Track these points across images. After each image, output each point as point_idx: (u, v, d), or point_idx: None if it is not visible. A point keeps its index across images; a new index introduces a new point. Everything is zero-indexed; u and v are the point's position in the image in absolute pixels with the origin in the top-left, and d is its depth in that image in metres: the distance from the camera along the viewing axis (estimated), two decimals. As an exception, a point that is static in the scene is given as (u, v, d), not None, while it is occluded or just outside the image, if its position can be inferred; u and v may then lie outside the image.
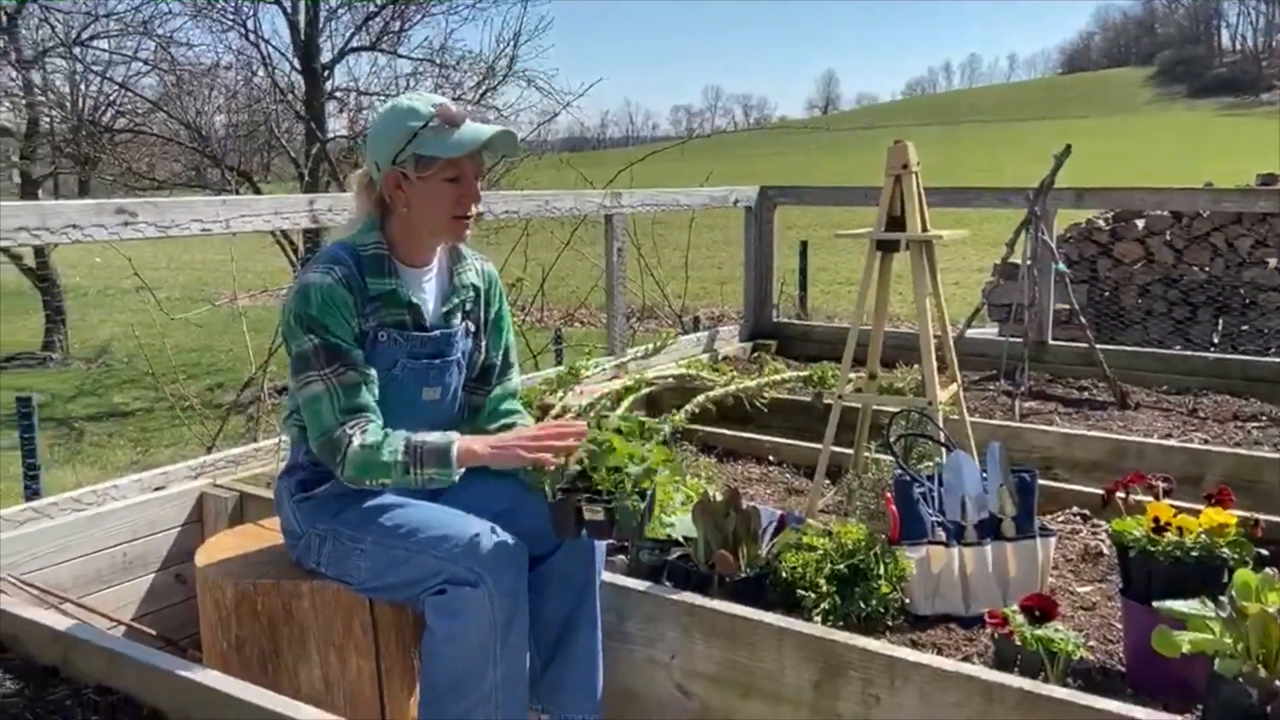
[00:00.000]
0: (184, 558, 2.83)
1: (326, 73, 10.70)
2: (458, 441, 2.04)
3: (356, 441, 2.02)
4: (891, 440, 2.88)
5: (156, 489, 2.93)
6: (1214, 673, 1.81)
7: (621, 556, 2.60)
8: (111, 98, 11.34)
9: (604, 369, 4.55)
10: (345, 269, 2.07)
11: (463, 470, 2.05)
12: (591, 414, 3.95)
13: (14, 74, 10.72)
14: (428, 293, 2.19)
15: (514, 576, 2.02)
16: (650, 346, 4.94)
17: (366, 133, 2.19)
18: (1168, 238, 7.57)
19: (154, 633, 2.67)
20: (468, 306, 2.25)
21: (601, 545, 2.24)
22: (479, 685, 2.01)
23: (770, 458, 3.77)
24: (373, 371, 2.08)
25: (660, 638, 2.29)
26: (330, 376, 2.03)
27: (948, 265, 12.01)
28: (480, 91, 10.64)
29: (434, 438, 2.04)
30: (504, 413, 2.36)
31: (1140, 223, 7.69)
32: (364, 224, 2.15)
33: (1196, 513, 2.21)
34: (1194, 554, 2.11)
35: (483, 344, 2.31)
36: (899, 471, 2.62)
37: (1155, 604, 1.94)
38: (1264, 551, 2.16)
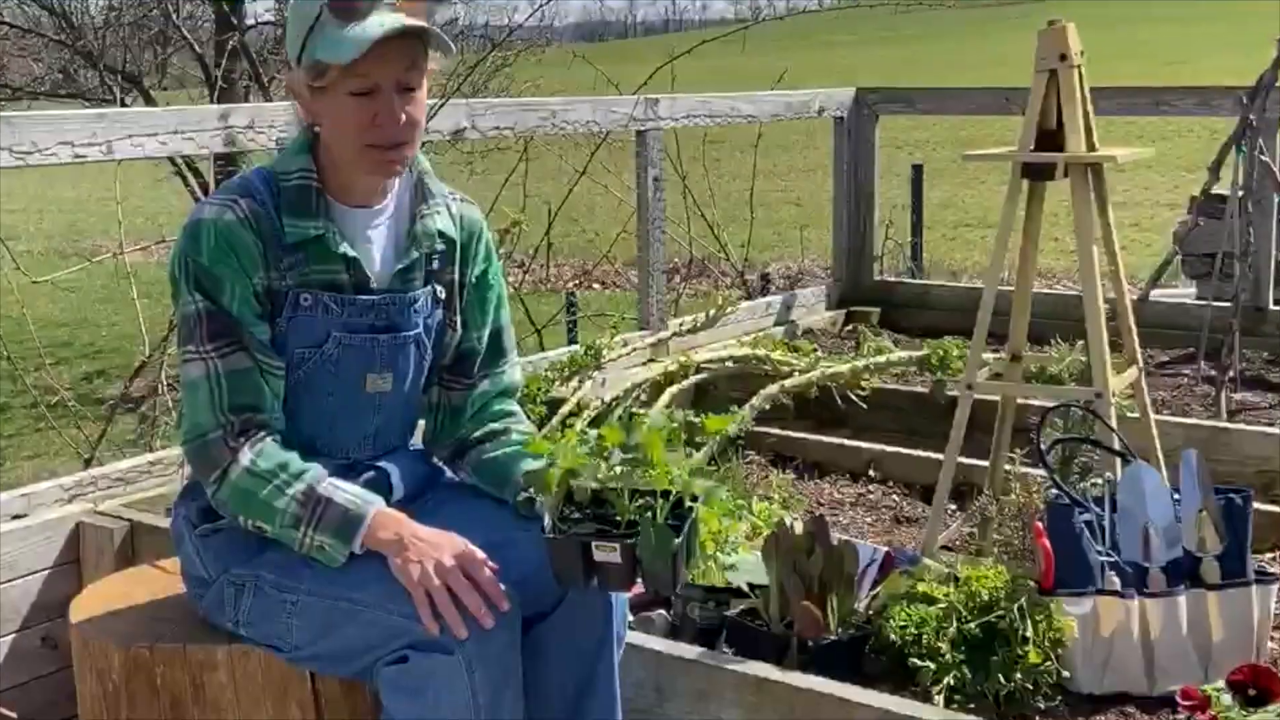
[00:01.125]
0: (55, 613, 2.86)
1: (245, -65, 10.74)
2: (373, 515, 2.03)
3: (244, 461, 2.02)
4: (1044, 448, 2.86)
5: (15, 517, 2.97)
6: None
7: (663, 612, 2.61)
8: (-51, -25, 11.46)
9: (635, 348, 4.55)
10: (254, 204, 2.07)
11: (359, 551, 2.03)
12: (620, 412, 3.96)
13: None
14: (375, 241, 2.18)
15: (503, 638, 2.03)
16: (701, 317, 4.94)
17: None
18: None
19: (14, 715, 2.71)
20: (434, 264, 2.24)
21: (622, 598, 2.24)
22: None
23: (871, 472, 3.76)
24: (275, 359, 2.08)
25: (718, 724, 2.29)
26: (212, 355, 2.03)
27: (1125, 198, 11.90)
28: (458, -41, 10.65)
29: (346, 497, 2.03)
30: (495, 414, 2.34)
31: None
32: (291, 144, 2.17)
33: None
34: None
35: (456, 319, 2.30)
36: (1054, 492, 2.60)
37: None
38: None
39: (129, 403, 6.58)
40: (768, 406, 4.10)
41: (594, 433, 2.09)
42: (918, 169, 10.02)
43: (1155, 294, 5.37)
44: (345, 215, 2.15)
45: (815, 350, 4.78)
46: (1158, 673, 2.45)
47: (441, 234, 2.24)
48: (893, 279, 6.40)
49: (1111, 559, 2.50)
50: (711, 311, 4.99)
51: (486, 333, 2.33)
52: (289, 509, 2.02)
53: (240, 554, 2.14)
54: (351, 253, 2.14)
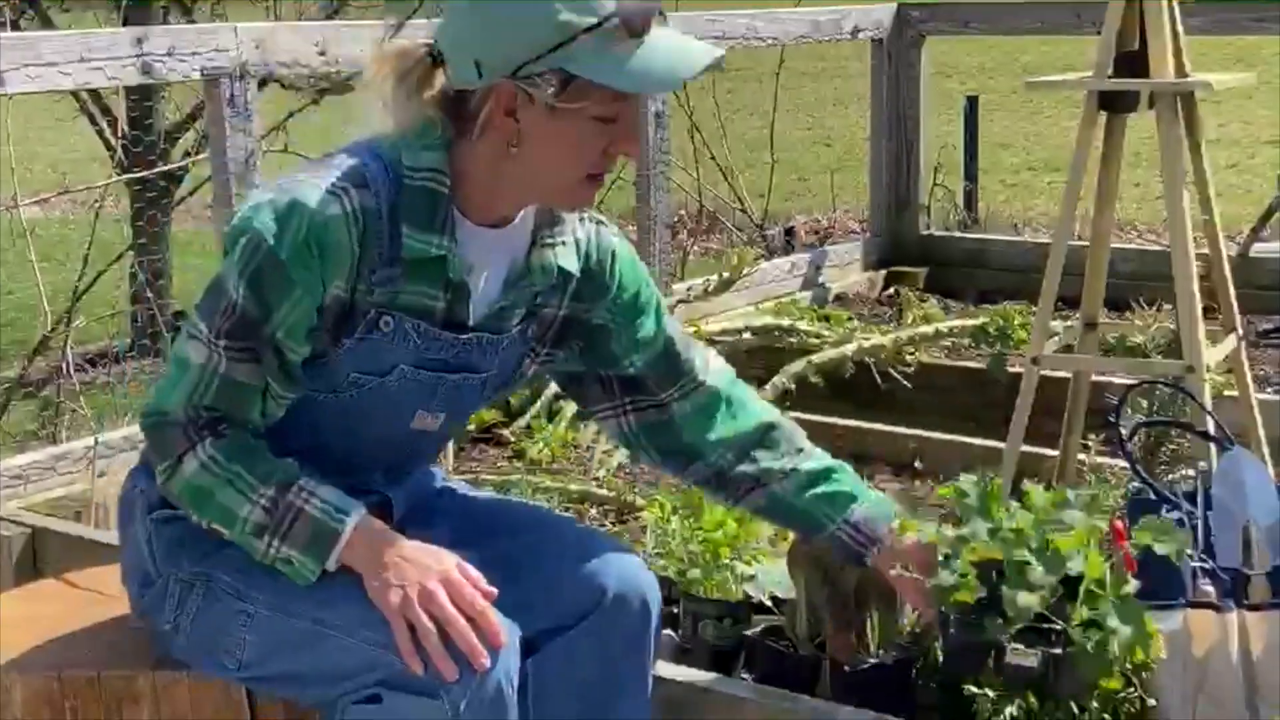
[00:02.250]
0: (-56, 636, 2.88)
1: None
2: (350, 529, 2.02)
3: (204, 452, 2.02)
4: (1126, 433, 2.87)
5: (-103, 522, 2.99)
6: None
7: (669, 631, 2.62)
8: None
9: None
10: (367, 197, 2.02)
11: (332, 569, 2.03)
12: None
13: None
14: (487, 270, 2.14)
15: (498, 679, 2.02)
16: (713, 280, 4.95)
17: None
18: None
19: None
20: (538, 299, 2.22)
21: (660, 602, 2.26)
22: None
23: (916, 463, 3.78)
24: (290, 390, 2.07)
25: (734, 765, 2.32)
26: (220, 351, 2.00)
27: (1221, 133, 11.88)
28: None
29: (319, 505, 2.02)
30: (748, 437, 2.33)
31: None
32: (420, 131, 2.07)
33: None
34: None
35: (540, 351, 2.29)
36: (1137, 485, 2.61)
37: None
38: None
39: (28, 386, 6.58)
40: (794, 386, 4.12)
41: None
42: (972, 101, 10.01)
43: (1257, 249, 5.37)
44: (471, 235, 2.10)
45: (850, 319, 4.80)
46: (1260, 697, 2.47)
47: (557, 269, 2.20)
48: (942, 234, 6.38)
49: (1206, 565, 2.51)
50: (725, 273, 4.99)
51: (648, 356, 2.31)
52: (251, 516, 2.00)
53: (196, 550, 2.13)
54: (467, 280, 2.09)
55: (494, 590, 2.02)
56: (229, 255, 2.01)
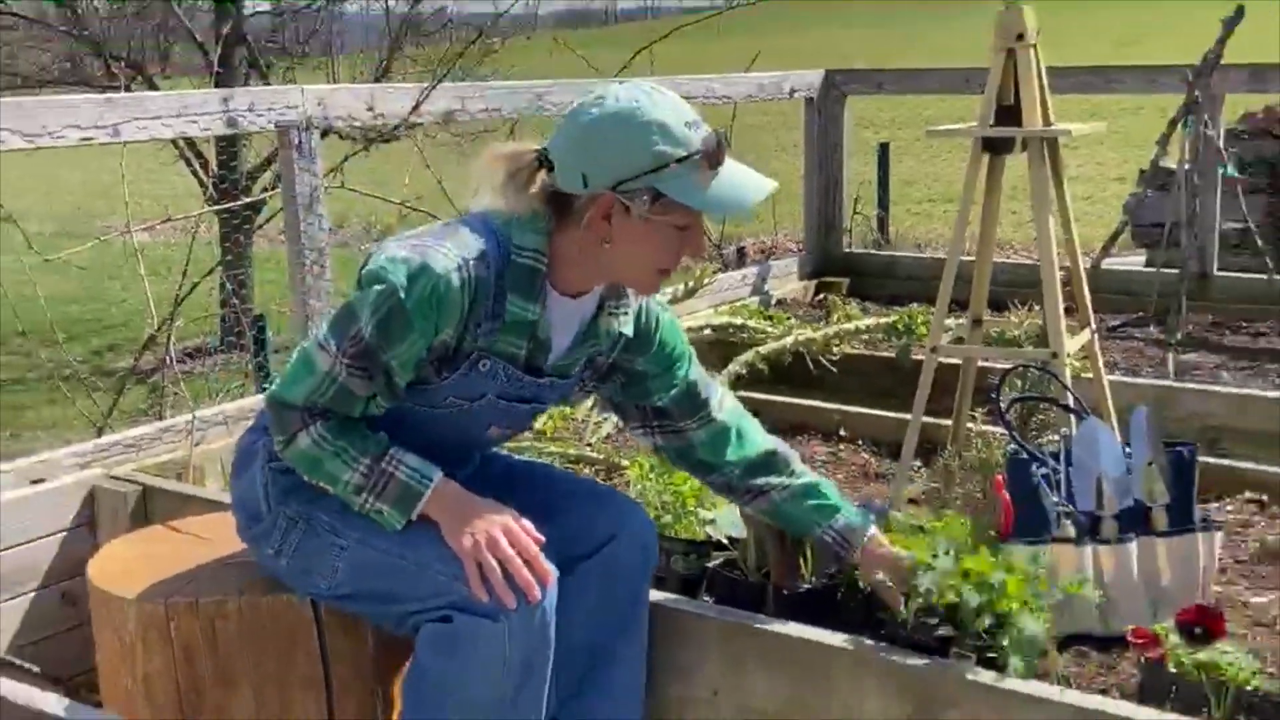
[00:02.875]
0: (73, 572, 2.87)
1: (241, -73, 10.65)
2: (434, 485, 2.04)
3: (314, 433, 2.03)
4: (1003, 406, 2.88)
5: (34, 482, 2.97)
6: None
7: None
8: (-43, -32, 11.34)
9: (618, 317, 4.56)
10: (484, 272, 2.00)
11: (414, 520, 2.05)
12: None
13: None
14: (564, 331, 2.16)
15: (544, 609, 2.02)
16: (680, 289, 4.95)
17: (569, 125, 2.06)
18: (1376, 130, 7.48)
19: (36, 669, 2.71)
20: (597, 356, 2.23)
21: (654, 541, 2.30)
22: None
23: (841, 432, 3.78)
24: (389, 401, 2.08)
25: (700, 666, 2.31)
26: (344, 368, 2.00)
27: (1078, 172, 11.90)
28: (447, -48, 10.58)
29: (407, 471, 2.04)
30: (753, 462, 2.33)
31: (1339, 111, 7.60)
32: (529, 217, 2.06)
33: None
34: None
35: (641, 387, 2.30)
36: (1013, 447, 2.62)
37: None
38: None
39: (139, 374, 6.55)
40: (745, 372, 4.12)
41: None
42: (884, 147, 10.00)
43: (1107, 262, 5.39)
44: (556, 303, 2.11)
45: (788, 319, 4.80)
46: (1110, 615, 2.48)
47: (620, 334, 2.21)
48: (860, 251, 6.40)
49: (1067, 509, 2.52)
50: (690, 283, 4.99)
51: (674, 394, 2.31)
52: (352, 480, 2.03)
53: (303, 494, 2.13)
54: (550, 337, 2.11)
55: (543, 537, 2.04)
56: (364, 291, 2.02)
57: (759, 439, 2.35)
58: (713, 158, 2.00)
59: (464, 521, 2.02)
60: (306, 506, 2.13)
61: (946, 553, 2.25)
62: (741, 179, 2.05)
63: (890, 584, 2.24)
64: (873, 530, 2.29)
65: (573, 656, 2.17)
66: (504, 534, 2.00)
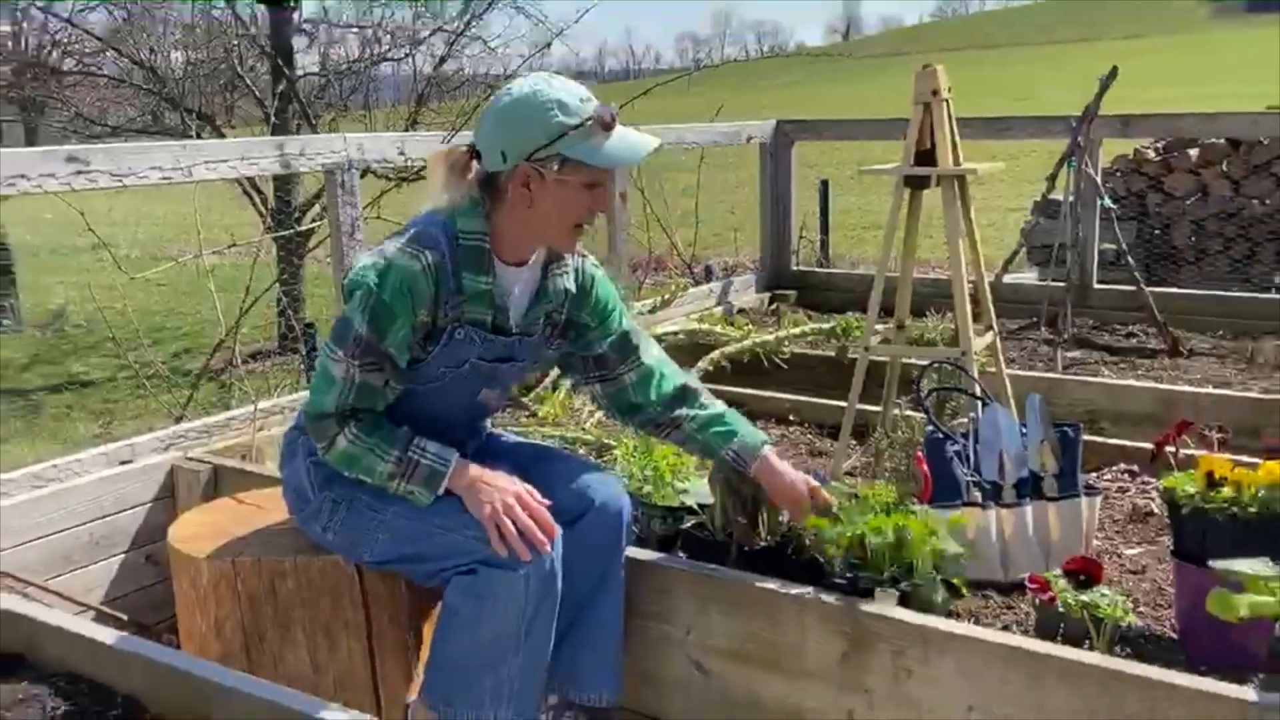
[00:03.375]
0: (155, 536, 2.86)
1: (293, 4, 10.60)
2: (453, 465, 2.05)
3: (349, 435, 2.04)
4: (923, 395, 2.89)
5: (123, 463, 2.96)
6: (1275, 637, 1.83)
7: (633, 527, 2.62)
8: (57, 35, 11.26)
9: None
10: (438, 257, 2.03)
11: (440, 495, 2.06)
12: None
13: (-49, 13, 10.66)
14: (518, 294, 2.17)
15: (553, 559, 2.04)
16: (658, 300, 4.95)
17: (486, 115, 2.09)
18: (1224, 168, 7.51)
19: (125, 617, 2.71)
20: (553, 313, 2.24)
21: (629, 512, 2.27)
22: (494, 674, 2.04)
23: (791, 417, 3.78)
24: (400, 383, 2.09)
25: (674, 611, 2.32)
26: (355, 368, 2.02)
27: (982, 203, 11.85)
28: (465, 19, 10.54)
29: (430, 457, 2.05)
30: (669, 396, 2.32)
31: (1193, 152, 7.63)
32: (467, 205, 2.09)
33: (1256, 467, 2.21)
34: (1252, 510, 2.12)
35: (585, 338, 2.29)
36: (931, 429, 2.63)
37: (1211, 564, 1.95)
38: (1330, 507, 2.17)
39: (210, 374, 6.53)
40: (711, 368, 4.12)
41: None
42: (824, 183, 10.01)
43: (1006, 278, 5.40)
44: (504, 272, 2.13)
45: (748, 325, 4.80)
46: (1010, 565, 2.49)
47: (565, 290, 2.23)
48: (806, 269, 6.39)
49: (975, 479, 2.53)
50: (666, 296, 5.00)
51: (611, 341, 2.31)
52: (385, 469, 2.03)
53: (345, 480, 2.13)
54: (507, 304, 2.13)
55: (548, 501, 2.07)
56: (350, 300, 2.03)
57: (676, 377, 2.36)
58: (605, 124, 2.04)
59: (482, 492, 2.03)
60: (348, 489, 2.13)
61: (873, 512, 2.27)
62: (632, 139, 2.09)
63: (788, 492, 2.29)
64: (765, 450, 2.30)
65: (561, 606, 2.16)
66: (516, 500, 2.02)
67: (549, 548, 2.02)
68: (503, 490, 2.03)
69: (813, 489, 2.30)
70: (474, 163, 2.09)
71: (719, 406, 2.36)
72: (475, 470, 2.07)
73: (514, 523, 1.99)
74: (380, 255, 2.04)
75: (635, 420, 2.38)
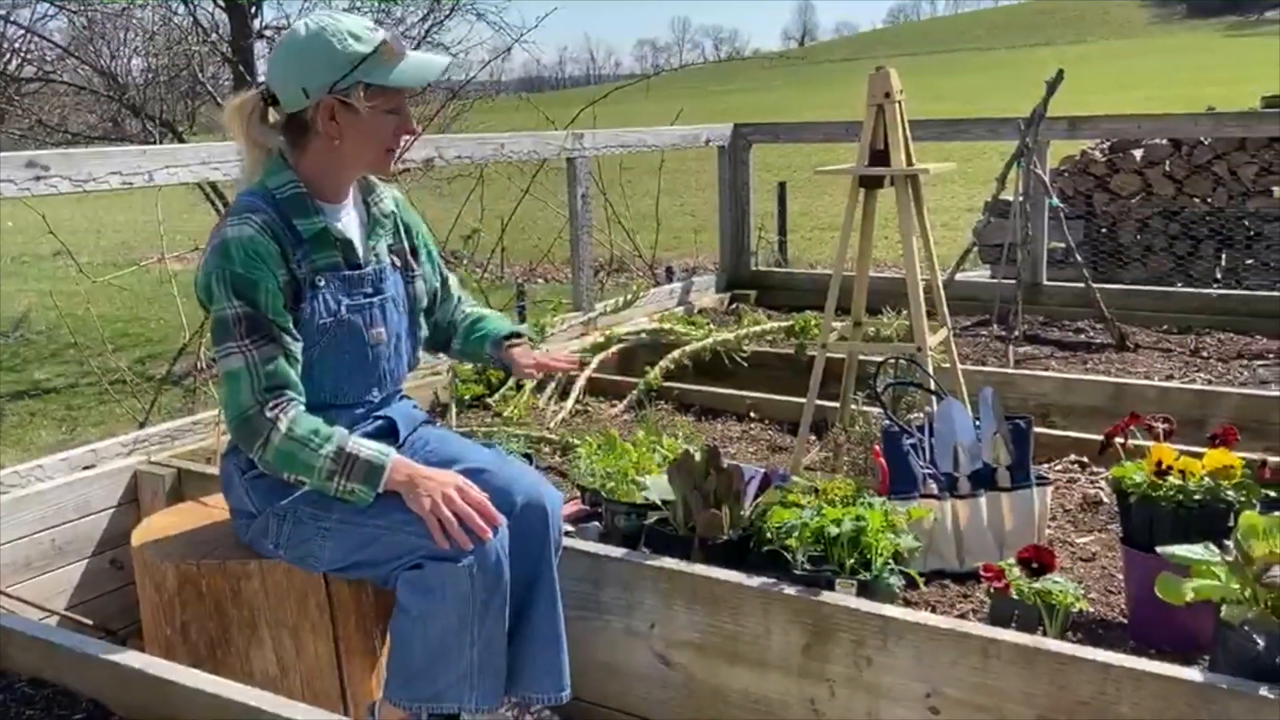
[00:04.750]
0: (120, 541, 2.82)
1: (254, 8, 10.50)
2: (391, 460, 2.02)
3: (283, 426, 1.98)
4: (879, 390, 2.91)
5: (86, 468, 2.91)
6: (1220, 620, 1.85)
7: (596, 524, 2.62)
8: (16, 43, 11.08)
9: (571, 325, 4.54)
10: (265, 215, 2.03)
11: (381, 493, 2.02)
12: (559, 376, 3.95)
13: (-94, 20, 10.46)
14: (351, 228, 2.18)
15: (498, 549, 2.01)
16: (620, 300, 4.94)
17: (276, 56, 2.13)
18: (1167, 168, 7.63)
19: (90, 622, 2.66)
20: (390, 240, 2.25)
21: (559, 506, 2.24)
22: (455, 666, 2.01)
23: (751, 414, 3.78)
24: (296, 344, 2.05)
25: (638, 606, 2.31)
26: (250, 348, 1.98)
27: (935, 204, 12.02)
28: (426, 26, 10.50)
29: (369, 452, 2.01)
30: (458, 318, 2.46)
31: (1138, 153, 7.75)
32: (269, 166, 2.11)
33: (1200, 455, 2.25)
34: (1197, 498, 2.15)
35: (418, 271, 2.31)
36: (887, 423, 2.64)
37: (1159, 549, 1.98)
38: (1272, 493, 2.21)
39: (173, 379, 6.45)
40: (673, 367, 4.11)
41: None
42: (782, 185, 10.10)
43: (959, 276, 5.44)
44: (329, 211, 2.14)
45: (708, 324, 4.80)
46: (965, 554, 2.51)
47: (391, 214, 2.28)
48: (765, 269, 6.41)
49: (930, 471, 2.55)
50: (628, 296, 4.99)
51: (438, 272, 2.41)
52: (324, 466, 1.99)
53: (281, 492, 2.10)
54: (348, 236, 2.14)
55: (484, 495, 2.03)
56: (214, 296, 2.02)
57: (473, 309, 2.49)
58: (395, 47, 2.08)
59: (420, 487, 2.00)
60: (289, 503, 2.09)
61: (830, 505, 2.28)
62: (424, 60, 2.15)
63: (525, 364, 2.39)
64: (510, 343, 2.39)
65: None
66: (456, 491, 2.00)
67: (490, 534, 1.99)
68: (441, 483, 2.01)
69: (556, 359, 2.47)
70: (269, 109, 2.11)
71: (480, 312, 2.47)
72: (413, 466, 2.04)
73: (455, 514, 1.97)
74: (213, 241, 2.04)
75: (441, 341, 2.48)
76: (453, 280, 2.48)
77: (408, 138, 2.19)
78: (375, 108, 2.07)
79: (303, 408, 2.03)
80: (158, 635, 2.26)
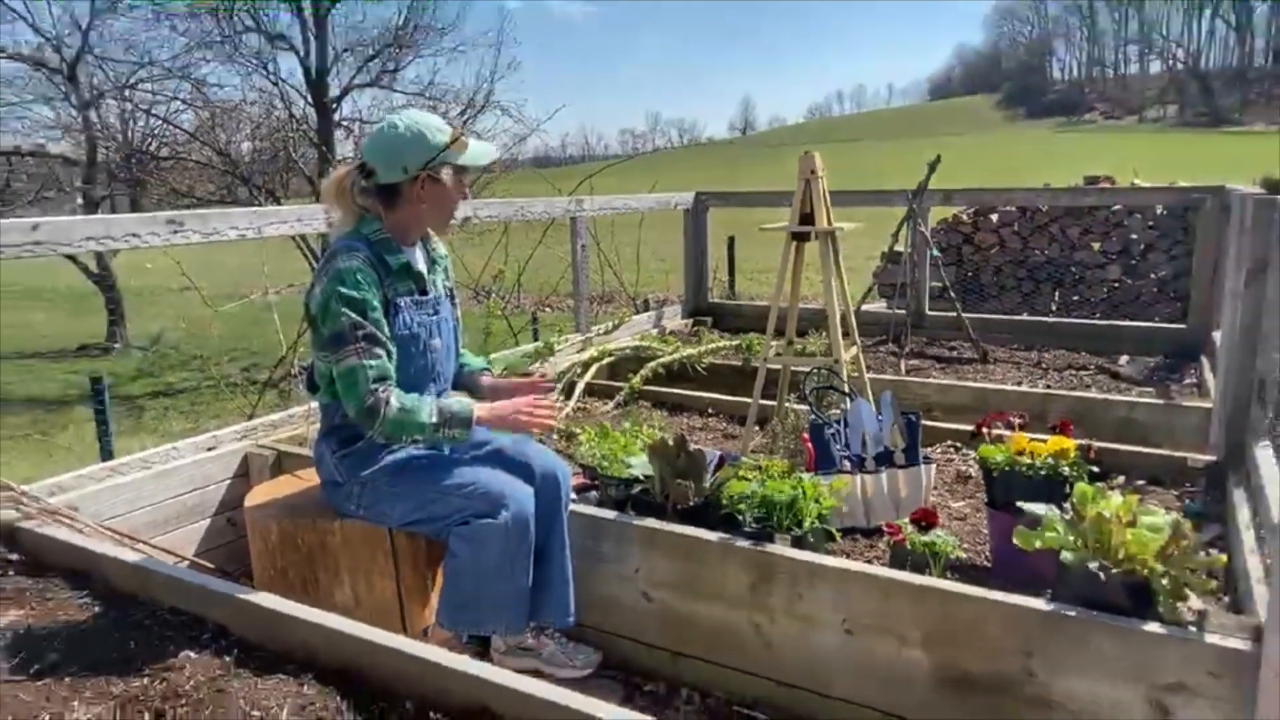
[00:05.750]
0: (234, 505, 2.79)
1: (334, 106, 10.47)
2: (475, 407, 2.06)
3: (395, 404, 1.98)
4: (807, 393, 2.91)
5: (209, 449, 2.88)
6: (1061, 563, 1.87)
7: (594, 493, 2.61)
8: (156, 131, 11.01)
9: (573, 343, 4.53)
10: (365, 253, 2.03)
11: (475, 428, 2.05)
12: (563, 381, 3.93)
13: (75, 113, 10.38)
14: (420, 265, 2.17)
15: (527, 509, 2.02)
16: (610, 324, 4.93)
17: (378, 143, 2.09)
18: (1016, 228, 7.71)
19: (212, 566, 2.63)
20: (443, 276, 2.25)
21: (569, 477, 2.24)
22: (492, 598, 2.02)
23: (709, 410, 3.78)
24: (392, 346, 2.04)
25: (627, 556, 2.30)
26: (362, 353, 1.98)
27: (846, 253, 11.97)
28: (463, 120, 10.49)
29: (456, 406, 2.03)
30: (463, 368, 2.37)
31: (994, 216, 7.82)
32: (363, 219, 2.09)
33: (1044, 441, 2.26)
34: (1043, 473, 2.17)
35: (458, 303, 2.31)
36: (813, 417, 2.65)
37: (1020, 504, 1.99)
38: (1095, 469, 2.23)
39: (273, 383, 6.39)
40: (650, 374, 4.11)
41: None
42: (731, 239, 10.11)
43: (865, 306, 5.48)
44: (405, 251, 2.13)
45: (676, 342, 4.80)
46: (871, 515, 2.52)
47: (444, 254, 2.27)
48: (719, 300, 6.42)
49: (845, 453, 2.56)
50: (616, 322, 4.98)
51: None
52: (431, 421, 1.99)
53: (363, 466, 2.09)
54: (420, 269, 2.12)
55: (548, 403, 2.09)
56: (330, 313, 1.98)
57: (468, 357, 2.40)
58: (466, 138, 2.11)
59: (503, 410, 2.05)
60: (369, 474, 2.09)
61: (770, 479, 2.28)
62: (484, 147, 2.16)
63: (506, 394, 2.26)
64: (483, 373, 2.32)
65: None
66: (526, 406, 2.06)
67: (554, 423, 2.06)
68: (514, 405, 2.07)
69: (529, 379, 2.31)
70: (364, 180, 2.09)
71: (471, 360, 2.37)
72: (487, 407, 2.08)
73: (528, 421, 2.03)
74: (328, 274, 2.01)
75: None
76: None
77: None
78: (456, 182, 2.10)
79: (399, 390, 2.03)
80: (263, 576, 2.23)
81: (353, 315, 1.97)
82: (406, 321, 2.09)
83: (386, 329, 2.03)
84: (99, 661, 1.73)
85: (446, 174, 2.07)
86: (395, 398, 1.99)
